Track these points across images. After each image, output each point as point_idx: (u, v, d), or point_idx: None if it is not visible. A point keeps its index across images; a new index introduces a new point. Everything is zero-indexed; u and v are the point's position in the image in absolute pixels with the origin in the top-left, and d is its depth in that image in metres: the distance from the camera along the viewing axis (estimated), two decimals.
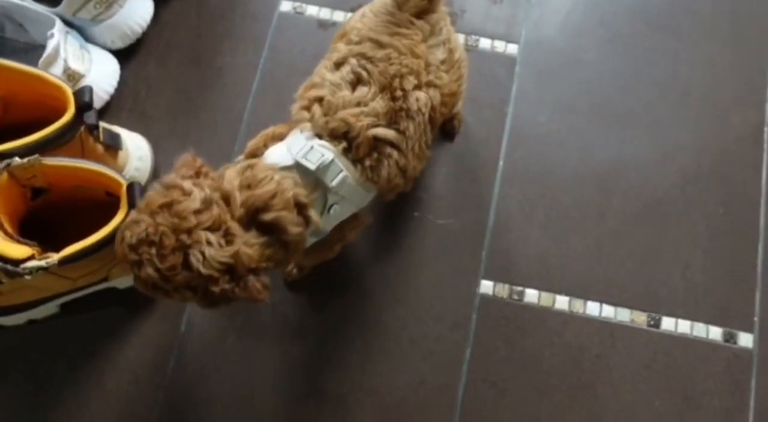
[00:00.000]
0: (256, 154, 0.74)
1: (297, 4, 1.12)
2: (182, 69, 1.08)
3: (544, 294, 0.96)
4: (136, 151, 0.99)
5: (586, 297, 0.96)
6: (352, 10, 1.07)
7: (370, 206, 0.81)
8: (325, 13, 1.11)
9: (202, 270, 0.62)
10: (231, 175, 0.67)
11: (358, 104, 0.71)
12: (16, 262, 0.77)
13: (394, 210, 0.99)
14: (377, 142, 0.72)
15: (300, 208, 0.68)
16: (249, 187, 0.66)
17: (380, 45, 0.73)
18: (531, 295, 0.96)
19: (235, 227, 0.64)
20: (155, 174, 1.01)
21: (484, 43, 1.09)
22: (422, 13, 0.75)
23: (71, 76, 0.98)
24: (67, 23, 1.02)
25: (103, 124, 0.94)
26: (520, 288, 0.96)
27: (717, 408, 0.90)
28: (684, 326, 0.94)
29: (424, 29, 0.74)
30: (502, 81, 1.07)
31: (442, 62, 0.76)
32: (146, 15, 1.09)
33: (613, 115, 1.05)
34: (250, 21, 1.11)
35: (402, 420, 0.91)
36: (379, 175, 0.74)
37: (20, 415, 0.91)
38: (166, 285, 0.64)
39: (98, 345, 0.94)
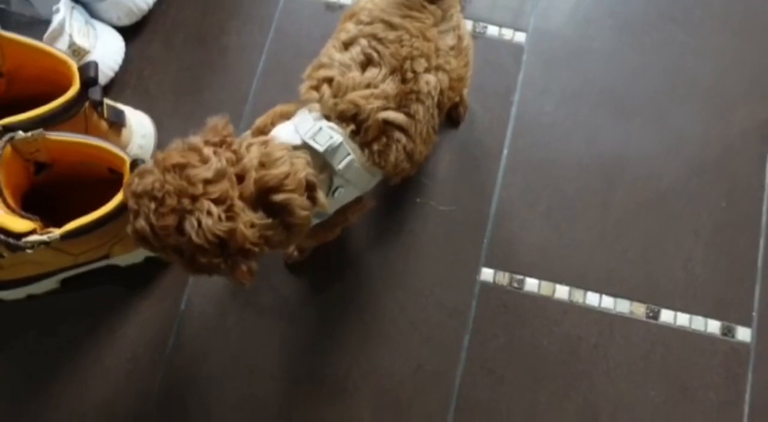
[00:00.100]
0: (263, 131, 0.74)
1: None
2: (187, 47, 1.08)
3: (545, 283, 0.96)
4: (139, 128, 0.98)
5: (586, 287, 0.96)
6: None
7: (373, 190, 0.81)
8: None
9: (194, 238, 0.62)
10: (255, 153, 0.67)
11: (368, 85, 0.71)
12: (18, 236, 0.77)
13: (397, 195, 0.99)
14: (386, 126, 0.72)
15: (310, 188, 0.68)
16: (264, 165, 0.66)
17: (392, 26, 0.72)
18: (531, 284, 0.96)
19: (239, 205, 0.64)
20: None
21: (492, 30, 1.08)
22: None
23: (76, 52, 0.98)
24: None
25: (107, 101, 0.94)
26: (520, 277, 0.96)
27: (713, 400, 0.91)
28: (683, 319, 0.94)
29: (435, 14, 0.74)
30: (509, 69, 1.06)
31: (451, 48, 0.76)
32: None
33: (619, 105, 1.04)
34: (257, 0, 1.10)
35: (399, 404, 0.91)
36: (386, 160, 0.74)
37: (18, 390, 0.92)
38: (156, 242, 0.64)
39: (97, 322, 0.94)
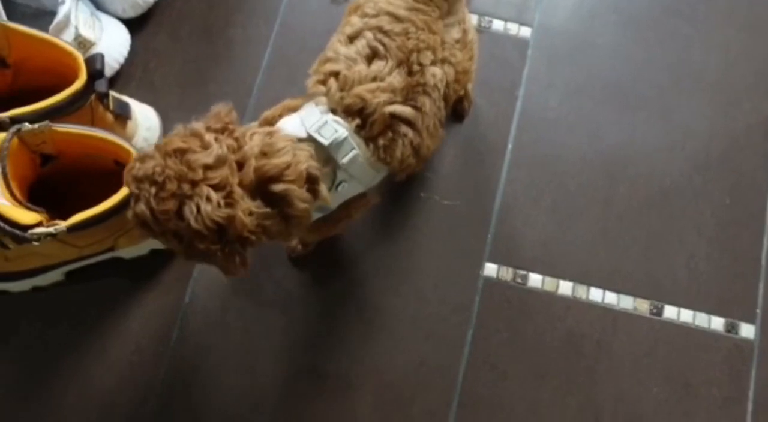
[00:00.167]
0: (271, 123, 0.74)
1: None
2: (193, 40, 1.08)
3: (548, 279, 0.96)
4: (144, 121, 0.98)
5: (590, 283, 0.96)
6: None
7: (378, 185, 0.81)
8: None
9: (193, 223, 0.62)
10: (257, 141, 0.67)
11: (375, 79, 0.71)
12: (25, 228, 0.77)
13: (401, 189, 0.99)
14: (392, 120, 0.72)
15: (311, 181, 0.68)
16: (265, 154, 0.66)
17: (398, 19, 0.72)
18: (535, 280, 0.96)
19: (238, 192, 0.64)
20: None
21: (497, 24, 1.08)
22: None
23: (82, 44, 0.98)
24: None
25: (113, 93, 0.94)
26: (524, 272, 0.96)
27: (716, 397, 0.91)
28: (686, 315, 0.94)
29: (441, 7, 0.74)
30: (514, 63, 1.06)
31: (457, 41, 0.76)
32: None
33: (624, 100, 1.04)
34: None
35: (401, 399, 0.91)
36: (392, 156, 0.73)
37: (23, 381, 0.92)
38: (155, 227, 0.64)
39: (102, 315, 0.95)
